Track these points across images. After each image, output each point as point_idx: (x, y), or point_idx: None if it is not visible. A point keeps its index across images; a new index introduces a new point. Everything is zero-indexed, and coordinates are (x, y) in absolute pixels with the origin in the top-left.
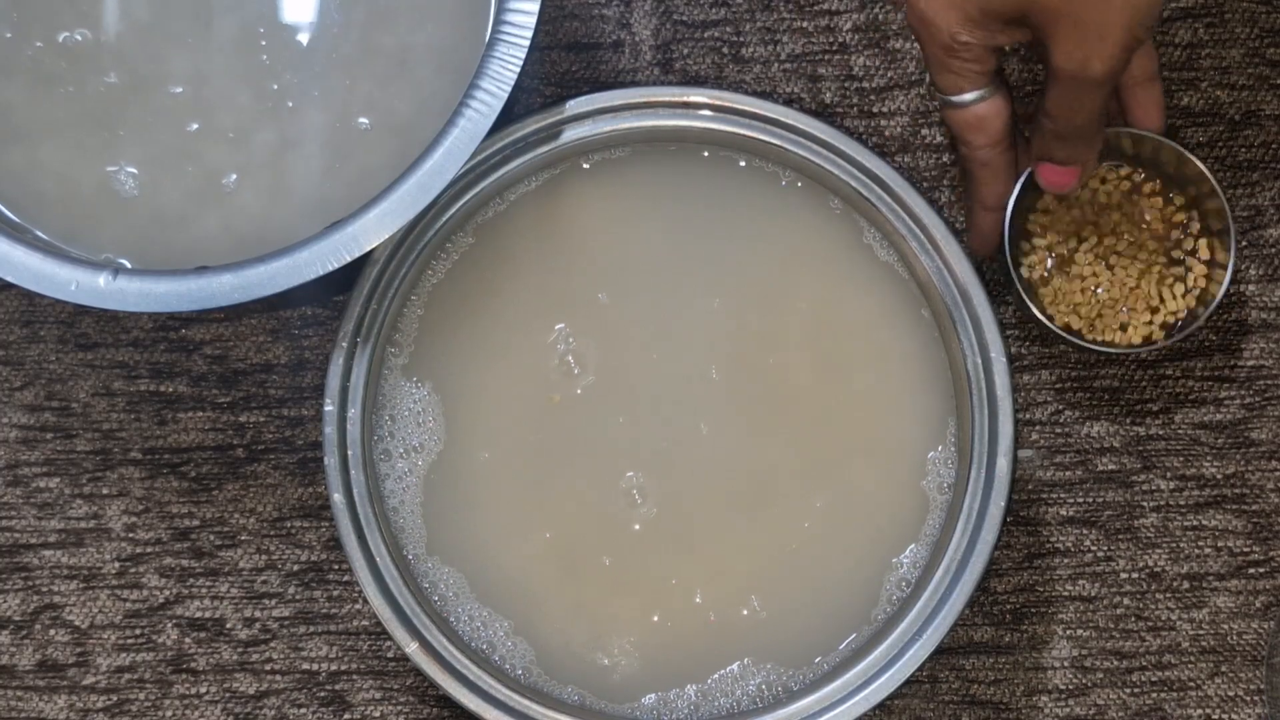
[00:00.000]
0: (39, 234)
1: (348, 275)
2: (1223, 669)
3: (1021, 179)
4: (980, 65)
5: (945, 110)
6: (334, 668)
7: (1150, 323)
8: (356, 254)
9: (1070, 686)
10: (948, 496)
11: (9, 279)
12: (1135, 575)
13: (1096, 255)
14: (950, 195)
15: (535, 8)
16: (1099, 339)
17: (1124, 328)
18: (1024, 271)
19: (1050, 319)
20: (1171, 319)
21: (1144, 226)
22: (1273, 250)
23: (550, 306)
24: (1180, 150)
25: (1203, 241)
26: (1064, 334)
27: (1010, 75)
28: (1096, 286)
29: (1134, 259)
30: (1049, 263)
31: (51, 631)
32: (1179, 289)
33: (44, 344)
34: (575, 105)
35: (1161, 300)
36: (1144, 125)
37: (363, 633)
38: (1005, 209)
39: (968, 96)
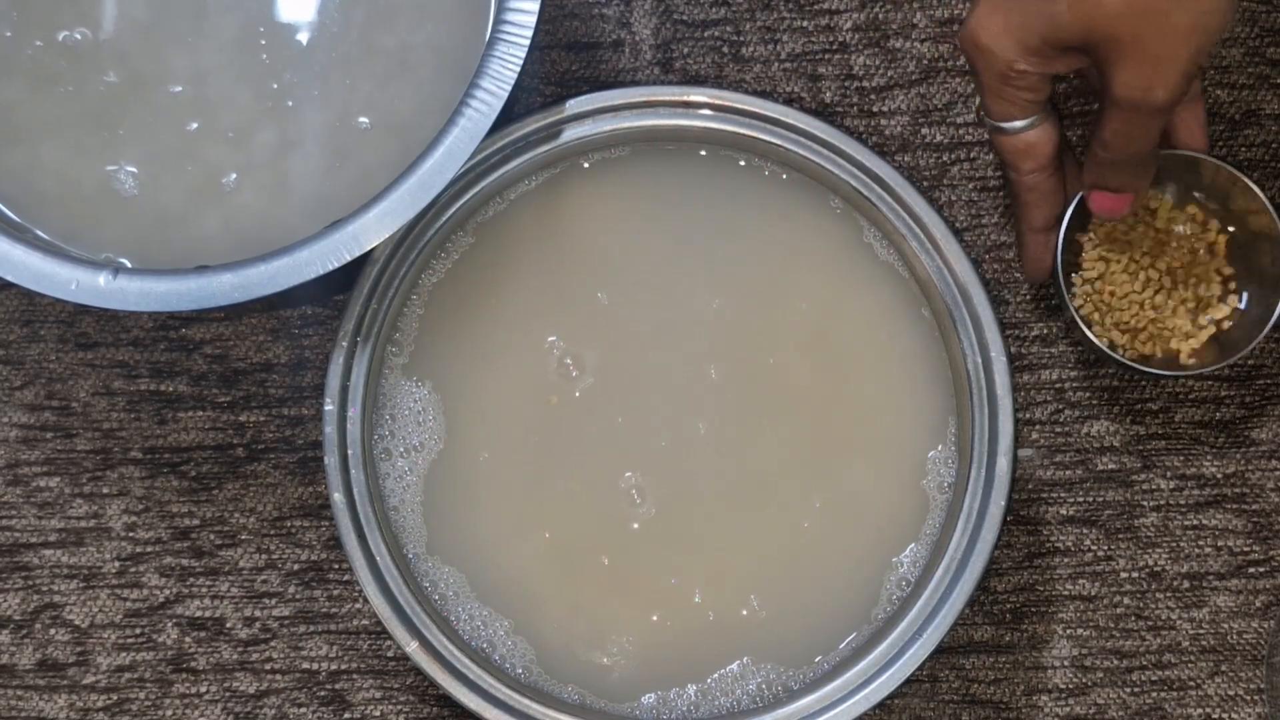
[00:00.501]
0: (39, 233)
1: (348, 275)
2: (1223, 668)
3: (1072, 205)
4: (1035, 94)
5: (994, 136)
6: (334, 667)
7: (1199, 340)
8: (356, 253)
9: (1070, 686)
10: (948, 496)
11: (9, 278)
12: (1135, 575)
13: (1147, 275)
14: (950, 194)
15: (535, 7)
16: (1148, 355)
17: (1173, 346)
18: (1075, 298)
19: (1100, 340)
20: (1220, 337)
21: (1192, 246)
22: None
23: (550, 306)
24: (1230, 170)
25: (1228, 259)
26: (1125, 360)
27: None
28: (1146, 306)
29: (1183, 278)
30: (1100, 285)
31: (52, 631)
32: (1227, 307)
33: (44, 343)
34: (575, 105)
35: (1212, 318)
36: (1188, 144)
37: (363, 632)
38: (1054, 231)
39: (1019, 124)
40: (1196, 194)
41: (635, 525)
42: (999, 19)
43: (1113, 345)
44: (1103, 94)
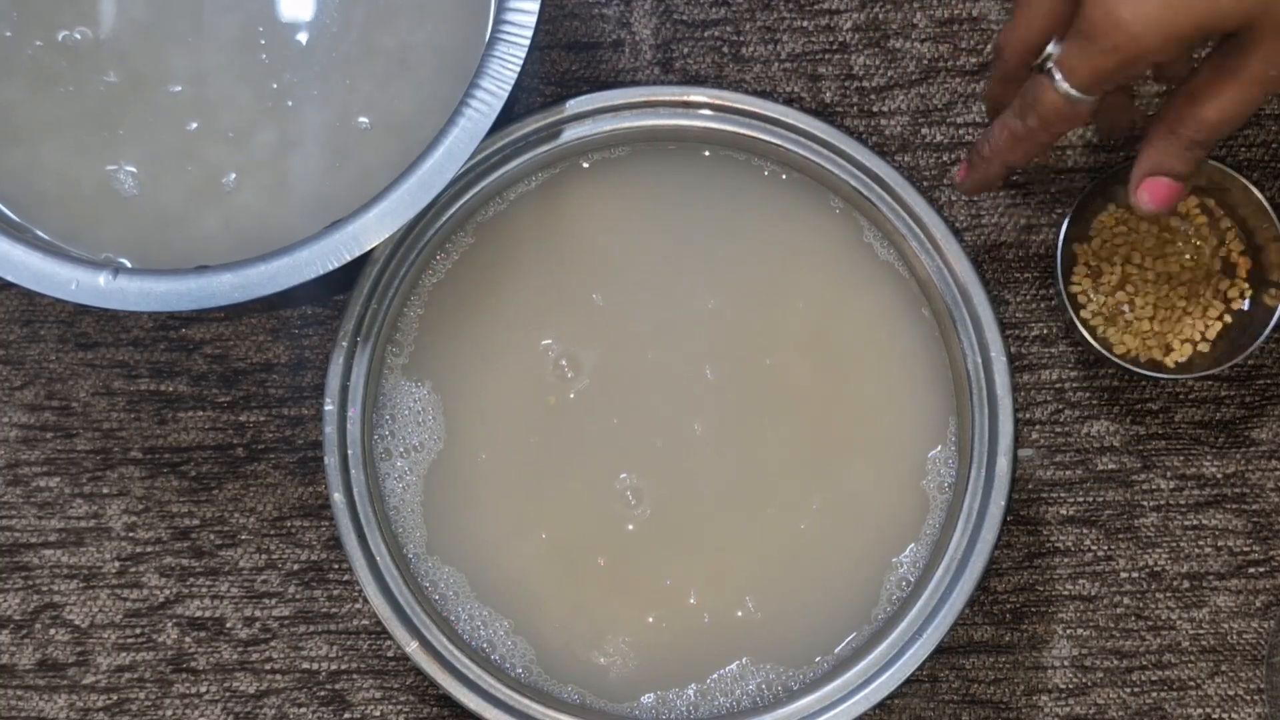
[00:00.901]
0: (39, 233)
1: (348, 274)
2: (1223, 668)
3: (1069, 215)
4: (1137, 79)
5: (1050, 90)
6: (334, 667)
7: (1196, 343)
8: (356, 253)
9: (1070, 686)
10: (948, 496)
11: (9, 278)
12: (1135, 575)
13: (1144, 278)
14: (950, 194)
15: (535, 7)
16: (1147, 359)
17: (1170, 348)
18: (1079, 304)
19: (1101, 342)
20: (1219, 339)
21: (1192, 249)
22: None
23: (550, 306)
24: (1229, 171)
25: (1244, 260)
26: (1123, 363)
27: None
28: (1144, 309)
29: (1181, 280)
30: (1099, 289)
31: (52, 631)
32: (1219, 309)
33: (44, 343)
34: (575, 105)
35: (1211, 322)
36: None
37: (363, 632)
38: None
39: (1088, 97)
40: (1199, 195)
41: (633, 526)
42: (1155, 4)
43: (1133, 358)
44: (1225, 73)
